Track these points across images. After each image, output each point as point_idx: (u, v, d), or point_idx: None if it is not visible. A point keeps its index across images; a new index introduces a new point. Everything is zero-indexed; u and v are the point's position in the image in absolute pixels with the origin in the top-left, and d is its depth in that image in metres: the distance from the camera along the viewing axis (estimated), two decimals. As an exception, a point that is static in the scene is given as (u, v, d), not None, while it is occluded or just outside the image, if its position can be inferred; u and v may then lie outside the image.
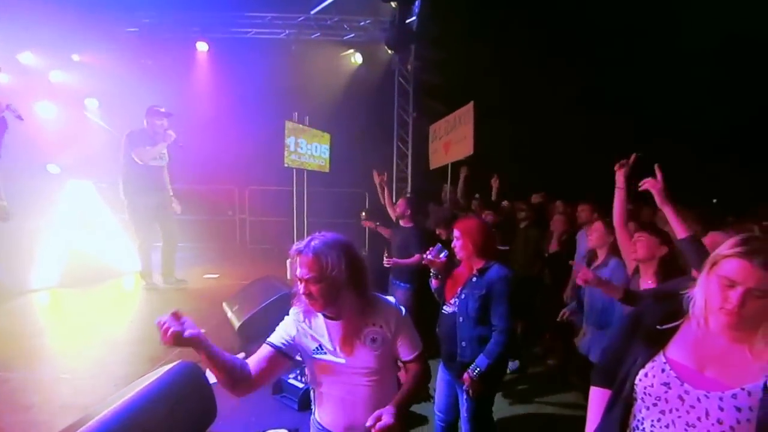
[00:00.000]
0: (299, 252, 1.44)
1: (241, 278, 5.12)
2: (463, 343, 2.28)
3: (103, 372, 2.99)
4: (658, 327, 1.14)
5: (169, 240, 5.28)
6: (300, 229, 7.14)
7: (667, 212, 2.11)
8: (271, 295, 3.42)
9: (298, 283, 1.46)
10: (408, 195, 4.45)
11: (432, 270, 2.48)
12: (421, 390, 1.61)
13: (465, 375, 2.20)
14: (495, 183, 5.12)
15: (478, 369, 2.17)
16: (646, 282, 2.41)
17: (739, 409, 0.95)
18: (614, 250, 2.88)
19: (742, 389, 0.96)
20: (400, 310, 1.58)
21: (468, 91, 6.00)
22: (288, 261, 6.17)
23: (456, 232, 2.36)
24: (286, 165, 6.38)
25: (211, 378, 2.76)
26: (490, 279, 2.23)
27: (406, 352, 1.57)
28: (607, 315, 2.80)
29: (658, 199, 2.16)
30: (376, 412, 1.34)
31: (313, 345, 1.53)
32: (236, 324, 3.35)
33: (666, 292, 1.91)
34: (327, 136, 7.22)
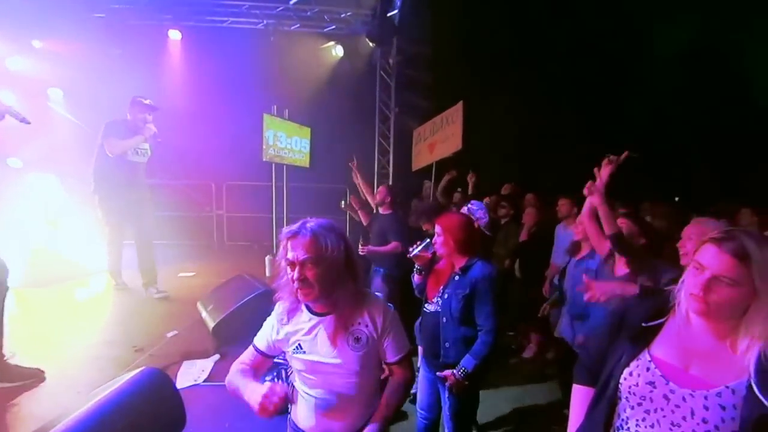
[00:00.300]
0: (294, 233, 1.33)
1: (217, 276, 4.92)
2: (447, 344, 2.21)
3: (65, 378, 2.80)
4: (643, 324, 1.12)
5: (144, 242, 4.80)
6: (280, 226, 6.97)
7: (600, 211, 2.22)
8: (247, 294, 3.28)
9: (288, 270, 1.34)
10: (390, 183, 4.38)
11: (416, 265, 2.40)
12: (405, 398, 1.52)
13: (449, 375, 2.14)
14: (471, 179, 5.07)
15: (464, 369, 2.11)
16: (621, 269, 2.42)
17: (723, 408, 0.95)
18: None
19: (727, 387, 0.96)
20: (389, 307, 1.50)
21: (451, 87, 5.96)
22: (267, 258, 6.05)
23: (437, 228, 2.28)
24: (264, 159, 6.22)
25: (180, 383, 2.64)
26: (474, 277, 2.16)
27: (391, 353, 1.47)
28: (576, 303, 2.81)
29: (596, 199, 2.28)
30: None
31: (294, 344, 1.44)
32: (211, 324, 3.20)
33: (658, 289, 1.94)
34: (307, 129, 7.07)
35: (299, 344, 1.42)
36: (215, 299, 3.52)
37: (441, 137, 5.85)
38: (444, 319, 2.21)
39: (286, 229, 1.36)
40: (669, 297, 1.11)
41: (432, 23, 7.59)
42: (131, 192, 4.61)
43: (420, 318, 2.45)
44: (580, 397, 1.30)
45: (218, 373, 2.72)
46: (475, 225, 2.54)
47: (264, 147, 6.12)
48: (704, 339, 1.03)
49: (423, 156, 6.46)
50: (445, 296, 2.23)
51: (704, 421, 0.96)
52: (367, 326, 1.42)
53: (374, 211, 4.28)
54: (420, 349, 2.54)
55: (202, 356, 2.97)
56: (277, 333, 1.45)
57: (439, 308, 2.25)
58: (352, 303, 1.42)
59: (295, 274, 1.30)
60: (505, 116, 8.19)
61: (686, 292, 1.04)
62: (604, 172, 2.32)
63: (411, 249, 2.35)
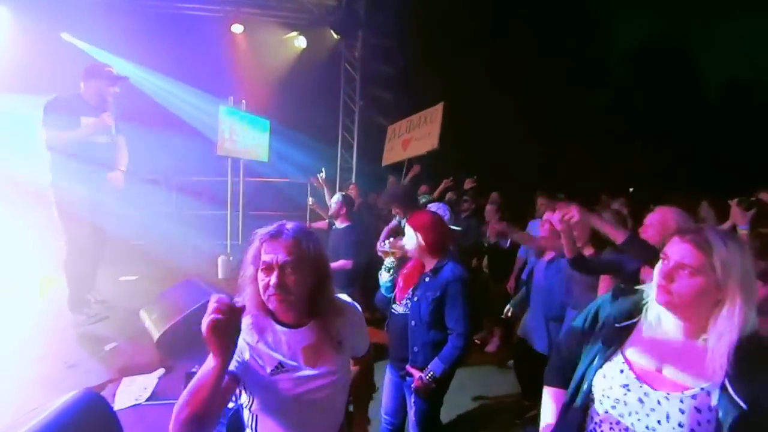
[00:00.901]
0: (274, 234, 1.23)
1: (164, 280, 4.47)
2: (416, 348, 2.11)
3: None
4: (616, 325, 1.10)
5: (99, 243, 3.93)
6: (235, 224, 6.60)
7: (595, 223, 2.11)
8: (196, 300, 2.94)
9: (260, 276, 1.21)
10: (344, 192, 4.15)
11: (385, 262, 2.31)
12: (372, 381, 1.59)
13: (416, 377, 2.05)
14: (446, 183, 4.97)
15: (432, 374, 2.02)
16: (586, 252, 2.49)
17: (699, 410, 0.93)
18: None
19: (702, 389, 0.94)
20: (357, 307, 1.47)
21: (417, 81, 5.86)
22: (220, 258, 5.66)
23: (408, 229, 2.18)
24: (219, 154, 5.82)
25: (119, 403, 2.31)
26: (445, 279, 2.07)
27: (360, 348, 1.49)
28: (553, 305, 2.87)
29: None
30: None
31: (271, 365, 1.25)
32: (155, 335, 2.85)
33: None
34: (266, 122, 6.72)
35: (280, 363, 1.25)
36: (160, 306, 3.15)
37: (417, 135, 5.74)
38: (413, 323, 2.12)
39: (262, 230, 1.25)
40: (642, 296, 1.10)
41: (399, 16, 7.48)
42: (93, 186, 3.61)
43: (387, 320, 2.33)
44: (552, 399, 1.27)
45: (163, 390, 2.40)
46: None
47: (219, 141, 5.73)
48: (678, 339, 1.02)
49: (395, 152, 6.32)
50: (415, 299, 2.13)
51: (680, 425, 0.93)
52: (344, 329, 1.36)
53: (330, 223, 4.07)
54: None
55: (145, 371, 2.64)
56: (249, 352, 1.26)
57: (408, 310, 2.16)
58: (329, 310, 1.33)
59: (273, 279, 1.18)
60: (472, 111, 8.23)
61: (654, 284, 1.04)
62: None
63: (379, 244, 2.28)
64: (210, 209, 7.62)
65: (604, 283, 2.38)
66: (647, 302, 1.08)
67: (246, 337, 1.26)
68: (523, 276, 3.73)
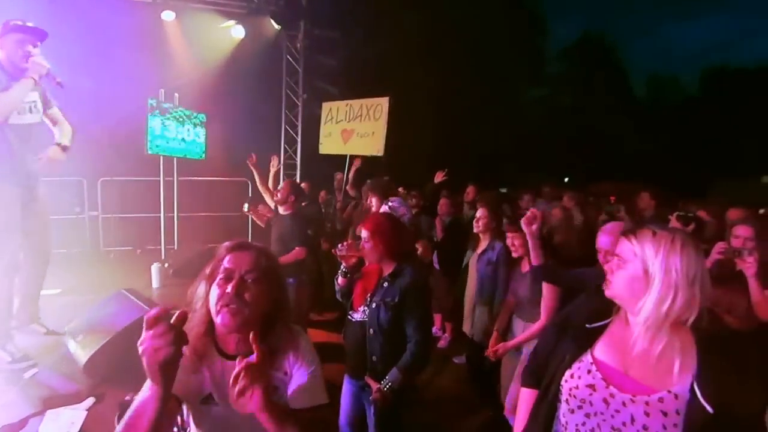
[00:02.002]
0: (240, 245, 1.21)
1: (91, 293, 4.03)
2: (374, 358, 2.03)
3: None
4: (587, 326, 1.11)
5: (39, 261, 3.26)
6: (169, 226, 6.15)
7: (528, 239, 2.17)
8: (128, 317, 2.67)
9: (217, 286, 1.13)
10: (293, 179, 4.00)
11: (342, 266, 2.20)
12: None
13: (375, 389, 1.97)
14: (356, 164, 4.92)
15: (390, 384, 1.94)
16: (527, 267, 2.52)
17: (665, 414, 0.92)
18: (498, 234, 3.03)
19: (669, 392, 0.93)
20: (313, 354, 1.25)
21: (364, 75, 5.74)
22: (155, 266, 5.23)
23: (364, 232, 2.08)
24: (149, 152, 5.36)
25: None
26: (403, 285, 2.00)
27: (304, 399, 1.17)
28: (483, 292, 3.01)
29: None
30: None
31: (204, 392, 1.17)
32: (82, 359, 2.55)
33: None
34: (201, 116, 6.28)
35: (210, 395, 1.17)
36: (88, 325, 2.82)
37: (360, 129, 5.55)
38: (371, 331, 2.04)
39: (227, 243, 1.22)
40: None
41: (342, 6, 7.30)
42: (23, 176, 2.91)
43: (344, 328, 2.23)
44: (526, 399, 1.29)
45: (93, 425, 2.14)
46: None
47: (149, 138, 5.27)
48: (645, 342, 0.99)
49: (334, 142, 6.05)
50: (373, 305, 2.05)
51: (644, 428, 0.93)
52: (285, 373, 1.20)
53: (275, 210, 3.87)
54: None
55: (72, 402, 2.34)
56: (187, 371, 1.14)
57: (365, 318, 2.07)
58: (281, 341, 1.21)
59: (230, 287, 1.11)
60: (413, 105, 8.26)
61: None
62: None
63: (338, 247, 2.17)
64: (141, 212, 7.05)
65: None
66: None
67: (186, 359, 1.12)
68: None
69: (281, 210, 3.64)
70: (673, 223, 2.79)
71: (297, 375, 1.20)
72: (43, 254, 3.28)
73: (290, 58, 7.74)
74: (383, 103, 5.23)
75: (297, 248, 3.36)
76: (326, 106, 6.24)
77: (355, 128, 5.63)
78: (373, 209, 3.59)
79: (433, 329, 4.56)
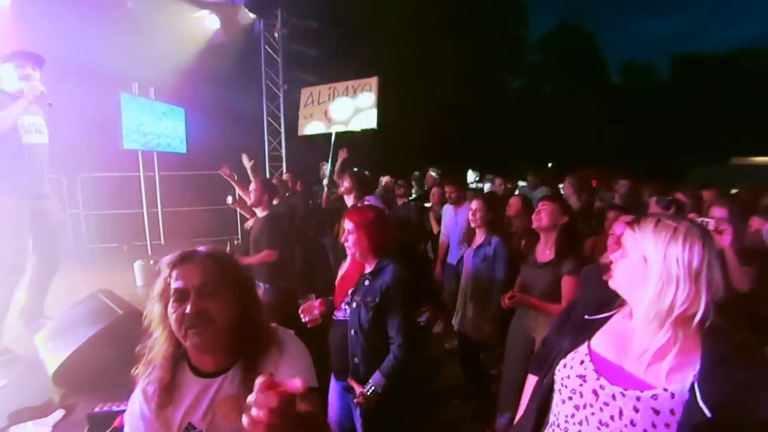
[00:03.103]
0: (184, 257, 1.06)
1: (70, 294, 3.88)
2: (356, 360, 1.96)
3: None
4: (586, 317, 1.09)
5: (46, 265, 3.44)
6: (153, 221, 6.06)
7: None
8: (100, 321, 2.59)
9: (174, 309, 1.02)
10: (263, 178, 3.88)
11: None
12: None
13: (358, 393, 1.91)
14: (342, 155, 4.83)
15: (372, 389, 1.87)
16: (544, 252, 2.43)
17: (657, 412, 0.86)
18: (493, 228, 2.94)
19: (665, 390, 0.87)
20: (298, 341, 1.22)
21: (345, 64, 5.60)
22: (138, 263, 5.16)
23: (349, 224, 1.98)
24: (125, 147, 5.24)
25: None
26: (385, 284, 1.91)
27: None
28: (478, 288, 2.92)
29: None
30: None
31: (183, 424, 1.07)
32: (51, 368, 2.48)
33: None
34: (180, 111, 6.14)
35: (190, 424, 1.07)
36: (59, 331, 2.73)
37: (344, 107, 5.38)
38: (353, 331, 1.96)
39: (168, 257, 1.08)
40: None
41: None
42: (32, 191, 3.16)
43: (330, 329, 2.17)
44: (530, 386, 1.28)
45: (62, 438, 2.11)
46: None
47: (124, 132, 5.14)
48: (647, 336, 0.93)
49: (315, 122, 5.88)
50: (354, 304, 1.97)
51: (632, 423, 0.88)
52: (281, 370, 1.11)
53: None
54: None
55: (40, 414, 2.29)
56: (157, 419, 1.06)
57: (347, 317, 2.00)
58: (262, 345, 1.11)
59: (188, 307, 1.00)
60: (397, 95, 8.14)
61: None
62: None
63: (301, 313, 2.09)
64: (124, 208, 6.94)
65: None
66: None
67: (148, 401, 1.07)
68: (450, 260, 3.88)
69: (258, 212, 3.54)
70: (653, 207, 2.77)
71: (284, 368, 1.12)
72: (51, 264, 3.48)
73: (269, 49, 7.58)
74: (372, 82, 5.06)
75: (265, 252, 3.24)
76: (305, 91, 6.06)
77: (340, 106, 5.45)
78: (349, 201, 3.52)
79: (427, 316, 4.60)
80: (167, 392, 1.06)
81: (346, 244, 2.01)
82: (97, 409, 2.17)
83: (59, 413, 2.28)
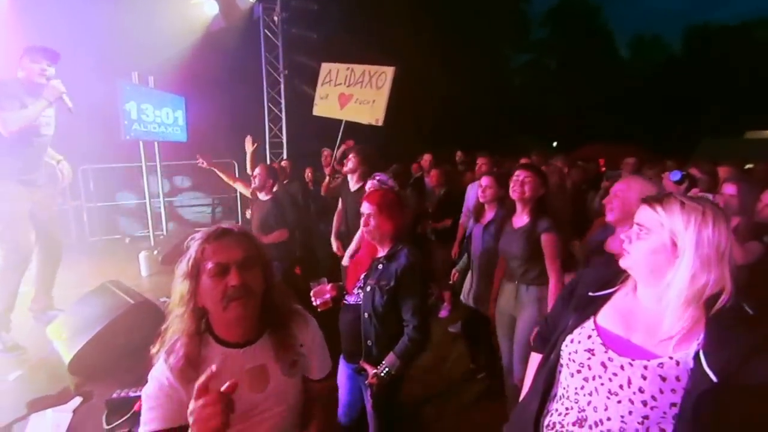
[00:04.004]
0: (221, 232, 1.11)
1: (77, 287, 3.90)
2: (369, 342, 1.97)
3: None
4: (590, 294, 1.11)
5: (50, 255, 3.48)
6: (156, 212, 6.02)
7: None
8: (113, 311, 2.60)
9: (213, 283, 1.06)
10: (268, 162, 3.86)
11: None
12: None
13: (371, 374, 1.91)
14: (346, 145, 4.77)
15: (387, 370, 1.88)
16: (521, 218, 2.49)
17: (663, 379, 0.90)
18: (503, 204, 2.92)
19: (671, 358, 0.91)
20: (313, 320, 1.32)
21: (346, 47, 5.48)
22: (142, 254, 5.15)
23: (371, 207, 1.94)
24: (126, 138, 5.17)
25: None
26: (399, 267, 1.90)
27: (321, 369, 1.29)
28: (489, 267, 2.91)
29: None
30: None
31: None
32: (67, 357, 2.50)
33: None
34: (180, 99, 6.06)
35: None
36: (71, 322, 2.76)
37: (359, 95, 5.25)
38: (366, 314, 1.96)
39: (204, 232, 1.11)
40: (619, 268, 1.08)
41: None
42: (35, 186, 3.17)
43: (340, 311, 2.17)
44: (533, 363, 1.32)
45: (80, 425, 2.10)
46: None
47: (125, 122, 5.07)
48: (648, 308, 1.00)
49: (330, 106, 5.75)
50: (367, 288, 1.96)
51: (640, 390, 0.92)
52: (301, 345, 1.22)
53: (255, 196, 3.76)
54: None
55: (58, 402, 2.30)
56: (185, 391, 1.07)
57: (359, 301, 1.99)
58: (287, 318, 1.21)
59: (232, 279, 1.05)
60: (402, 74, 8.03)
61: None
62: None
63: (314, 300, 2.08)
64: (126, 199, 6.91)
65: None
66: (628, 273, 1.07)
67: (179, 376, 1.08)
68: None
69: (261, 196, 3.53)
70: (666, 182, 2.74)
71: (310, 345, 1.23)
72: (54, 254, 3.49)
73: (268, 33, 7.43)
74: (388, 72, 4.95)
75: (278, 230, 3.32)
76: (326, 66, 5.92)
77: (354, 94, 5.30)
78: (353, 182, 3.46)
79: (446, 305, 4.58)
80: (193, 367, 1.08)
81: (365, 229, 1.99)
82: (114, 395, 2.18)
83: (77, 400, 2.29)
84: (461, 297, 3.19)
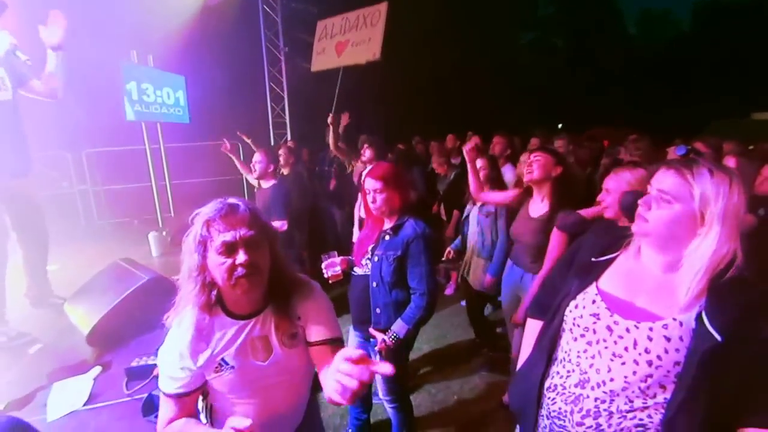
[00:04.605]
0: (228, 209, 1.10)
1: (89, 266, 3.94)
2: (378, 310, 2.06)
3: None
4: (593, 259, 1.12)
5: (33, 244, 3.28)
6: (163, 195, 6.04)
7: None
8: (127, 286, 2.65)
9: (221, 259, 1.08)
10: (266, 148, 3.81)
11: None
12: None
13: (380, 340, 2.02)
14: (344, 120, 4.72)
15: (395, 335, 1.98)
16: (537, 204, 2.41)
17: (668, 339, 0.93)
18: (498, 185, 3.02)
19: (674, 319, 0.94)
20: (317, 285, 1.34)
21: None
22: (151, 234, 5.19)
23: (376, 183, 1.98)
24: (129, 119, 5.15)
25: (52, 413, 2.06)
26: (406, 237, 1.97)
27: (321, 332, 1.26)
28: (484, 246, 3.05)
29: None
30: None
31: (216, 363, 1.17)
32: (85, 330, 2.55)
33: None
34: (180, 78, 5.99)
35: (223, 360, 1.16)
36: (87, 297, 2.82)
37: (355, 38, 5.21)
38: (374, 284, 2.04)
39: (209, 208, 1.11)
40: (623, 234, 1.10)
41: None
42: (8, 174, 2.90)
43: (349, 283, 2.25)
44: (531, 329, 1.34)
45: (102, 391, 2.16)
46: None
47: (127, 103, 5.04)
48: (655, 273, 1.01)
49: (328, 57, 5.71)
50: (375, 258, 2.03)
51: (646, 351, 0.95)
52: (307, 312, 1.25)
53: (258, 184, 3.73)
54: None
55: (78, 372, 2.35)
56: (195, 360, 1.15)
57: (368, 271, 2.07)
58: (290, 290, 1.24)
59: (241, 257, 1.07)
60: (407, 52, 7.88)
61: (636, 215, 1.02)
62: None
63: (325, 272, 2.13)
64: (132, 182, 6.91)
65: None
66: (629, 238, 1.08)
67: (190, 342, 1.15)
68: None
69: (263, 184, 3.50)
70: (672, 155, 2.73)
71: (312, 315, 1.25)
72: (39, 242, 3.30)
73: (267, 9, 7.26)
74: (381, 8, 4.88)
75: (276, 223, 3.26)
76: (321, 23, 5.86)
77: (350, 38, 5.27)
78: (365, 157, 3.53)
79: (438, 278, 4.67)
80: (203, 336, 1.15)
81: (372, 205, 2.03)
82: (133, 364, 2.22)
83: (96, 369, 2.34)
84: (462, 273, 3.29)
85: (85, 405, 2.10)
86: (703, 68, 17.60)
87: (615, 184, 1.82)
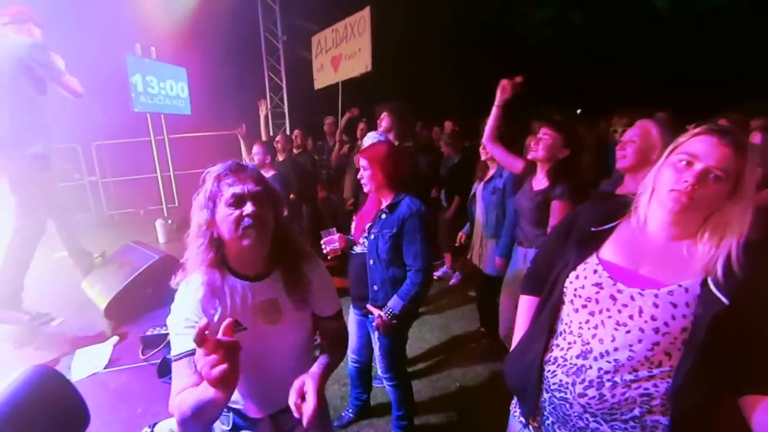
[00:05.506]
0: (235, 169, 1.13)
1: (101, 251, 4.27)
2: (375, 287, 2.11)
3: None
4: (592, 229, 1.08)
5: (65, 222, 3.39)
6: (167, 185, 6.26)
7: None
8: (140, 264, 2.88)
9: (230, 211, 1.10)
10: (263, 141, 3.92)
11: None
12: (344, 351, 1.39)
13: (377, 316, 2.07)
14: (351, 113, 4.83)
15: (391, 311, 2.03)
16: (539, 182, 2.34)
17: (674, 305, 0.91)
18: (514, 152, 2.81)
19: (680, 286, 0.92)
20: (321, 262, 1.35)
21: (349, 5, 5.40)
22: (158, 222, 5.42)
23: (363, 161, 2.05)
24: (136, 111, 5.34)
25: (76, 374, 2.29)
26: (402, 215, 2.01)
27: (328, 308, 1.32)
28: (489, 225, 2.99)
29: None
30: (298, 385, 1.11)
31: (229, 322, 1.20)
32: (102, 305, 2.79)
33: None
34: (182, 70, 6.15)
35: (236, 321, 1.13)
36: (103, 276, 3.06)
37: (347, 51, 5.31)
38: (371, 261, 2.09)
39: (221, 165, 1.15)
40: (623, 202, 1.08)
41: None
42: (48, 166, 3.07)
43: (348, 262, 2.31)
44: (525, 306, 1.30)
45: (120, 357, 2.40)
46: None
47: (133, 95, 5.22)
48: (660, 242, 1.00)
49: (326, 73, 5.86)
50: (372, 237, 2.08)
51: (653, 318, 0.93)
52: (313, 280, 1.25)
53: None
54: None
55: (98, 341, 2.59)
56: (204, 312, 1.13)
57: (365, 249, 2.12)
58: (297, 256, 1.25)
59: (248, 208, 1.10)
60: (407, 33, 7.85)
61: (664, 190, 0.96)
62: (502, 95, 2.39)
63: (324, 247, 2.16)
64: (139, 173, 7.13)
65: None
66: (632, 207, 1.06)
67: (200, 304, 1.13)
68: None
69: (263, 172, 3.64)
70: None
71: (318, 287, 1.26)
72: (67, 218, 3.43)
73: (264, -4, 7.27)
74: (365, 14, 4.92)
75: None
76: (315, 39, 6.01)
77: (343, 51, 5.39)
78: (382, 127, 3.33)
79: (444, 268, 4.69)
80: (214, 296, 1.13)
81: (362, 182, 2.09)
82: (148, 333, 2.46)
83: (114, 339, 2.58)
84: (468, 256, 3.25)
85: (105, 368, 2.34)
86: (740, 45, 15.98)
87: (639, 133, 1.74)
